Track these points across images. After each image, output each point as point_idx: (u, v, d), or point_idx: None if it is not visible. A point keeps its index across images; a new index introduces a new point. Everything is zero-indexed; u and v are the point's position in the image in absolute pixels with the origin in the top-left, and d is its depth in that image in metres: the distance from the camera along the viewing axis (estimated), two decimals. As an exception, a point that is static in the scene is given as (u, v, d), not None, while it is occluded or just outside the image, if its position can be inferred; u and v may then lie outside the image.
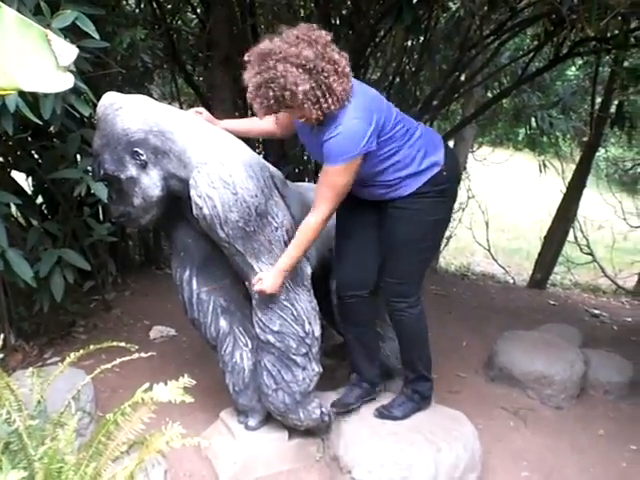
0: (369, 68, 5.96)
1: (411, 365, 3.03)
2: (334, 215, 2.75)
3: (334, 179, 2.48)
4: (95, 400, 2.78)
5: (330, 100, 2.36)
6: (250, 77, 2.34)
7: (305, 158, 5.98)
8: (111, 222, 3.76)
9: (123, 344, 2.13)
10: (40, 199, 4.08)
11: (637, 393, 3.99)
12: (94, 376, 2.22)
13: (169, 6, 5.64)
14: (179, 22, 6.05)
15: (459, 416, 3.05)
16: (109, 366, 2.01)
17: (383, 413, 2.96)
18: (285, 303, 2.63)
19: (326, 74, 2.33)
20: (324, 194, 2.52)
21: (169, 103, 5.70)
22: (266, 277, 2.54)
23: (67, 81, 1.23)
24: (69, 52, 1.16)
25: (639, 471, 3.26)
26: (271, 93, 2.30)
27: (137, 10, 5.07)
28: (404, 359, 3.05)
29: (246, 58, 2.37)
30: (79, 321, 4.02)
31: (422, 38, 5.43)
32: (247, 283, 2.67)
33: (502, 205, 11.16)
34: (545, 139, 8.49)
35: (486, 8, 5.04)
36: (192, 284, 2.83)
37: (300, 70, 2.28)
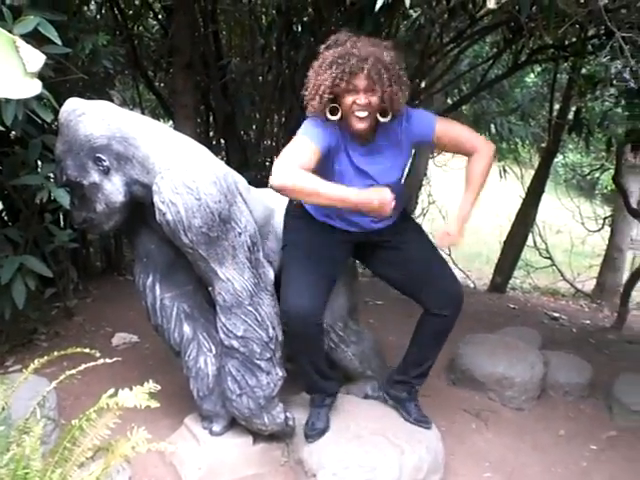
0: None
1: (429, 369, 3.07)
2: None
3: None
4: (58, 408, 2.76)
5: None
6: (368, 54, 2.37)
7: (267, 164, 6.00)
8: (72, 228, 3.74)
9: (87, 350, 2.12)
10: (0, 205, 4.04)
11: (596, 394, 4.05)
12: (57, 384, 2.21)
13: (130, 12, 5.62)
14: (140, 28, 6.03)
15: (422, 419, 3.08)
16: (74, 372, 2.00)
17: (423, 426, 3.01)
18: (249, 308, 2.63)
19: None
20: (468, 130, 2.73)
21: (130, 109, 5.68)
22: (452, 228, 2.63)
23: (35, 87, 1.23)
24: (37, 59, 1.17)
25: (599, 470, 3.31)
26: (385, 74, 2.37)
27: (98, 16, 5.05)
28: (428, 364, 3.05)
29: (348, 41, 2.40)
30: (40, 328, 3.97)
31: (383, 45, 5.47)
32: (210, 289, 2.68)
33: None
34: (504, 145, 8.61)
35: (446, 16, 5.10)
36: (155, 290, 2.83)
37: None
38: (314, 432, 2.84)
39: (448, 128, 2.66)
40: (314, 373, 2.85)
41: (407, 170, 2.74)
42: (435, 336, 2.96)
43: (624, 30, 3.10)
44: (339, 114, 2.45)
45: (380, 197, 2.36)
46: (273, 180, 2.32)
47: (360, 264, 3.09)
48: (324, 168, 2.48)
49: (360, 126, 2.45)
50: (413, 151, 2.83)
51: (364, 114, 2.42)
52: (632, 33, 3.10)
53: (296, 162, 2.34)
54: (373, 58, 2.34)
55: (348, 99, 2.41)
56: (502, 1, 2.02)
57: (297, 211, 2.80)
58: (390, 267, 2.90)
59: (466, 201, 2.67)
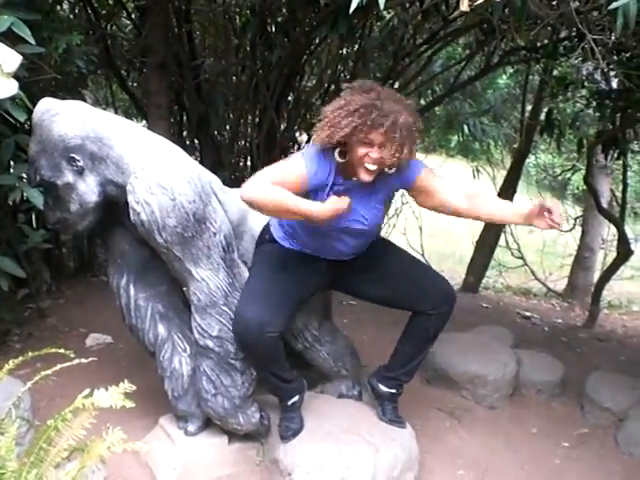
0: (304, 75, 6.01)
1: (418, 365, 3.11)
2: (264, 222, 2.85)
3: None
4: (32, 409, 2.74)
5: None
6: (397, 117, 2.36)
7: (241, 165, 6.00)
8: (46, 229, 3.71)
9: (62, 351, 2.12)
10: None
11: (568, 392, 4.10)
12: (31, 385, 2.20)
13: (104, 11, 5.59)
14: (114, 27, 6.00)
15: (396, 417, 3.10)
16: (49, 372, 2.00)
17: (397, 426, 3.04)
18: (224, 308, 2.64)
19: None
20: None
21: (103, 108, 5.65)
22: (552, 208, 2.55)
23: (12, 87, 1.24)
24: (13, 59, 1.17)
25: (571, 467, 3.37)
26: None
27: (71, 15, 5.02)
28: (419, 361, 3.09)
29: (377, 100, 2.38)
30: (13, 330, 3.94)
31: (357, 46, 5.50)
32: (185, 289, 2.68)
33: (433, 212, 11.32)
34: (477, 146, 8.67)
35: (419, 18, 5.14)
36: (130, 290, 2.82)
37: None
38: (289, 433, 2.84)
39: (431, 177, 2.68)
40: (276, 380, 2.80)
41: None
42: (430, 334, 3.00)
43: (595, 32, 3.15)
44: (346, 158, 2.47)
45: (327, 212, 2.37)
46: (243, 192, 2.36)
47: (346, 295, 3.08)
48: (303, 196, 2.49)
49: (367, 178, 2.45)
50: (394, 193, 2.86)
51: (374, 167, 2.42)
52: (603, 35, 3.15)
53: (271, 180, 2.37)
54: (393, 117, 2.34)
55: (361, 150, 2.39)
56: (475, 4, 2.05)
57: (269, 242, 2.83)
58: (375, 286, 2.91)
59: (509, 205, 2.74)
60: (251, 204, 2.38)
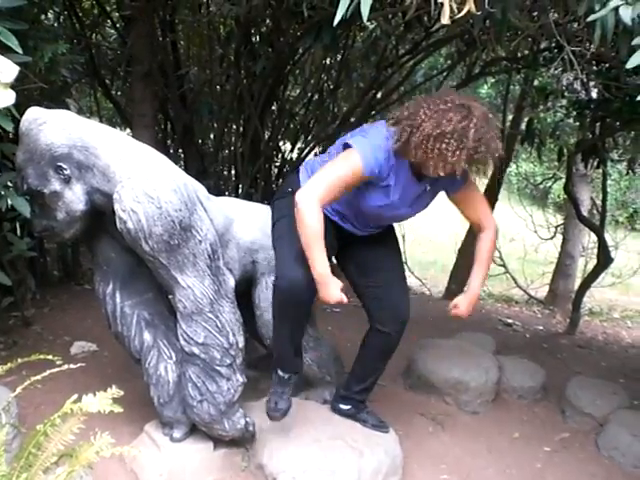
0: (288, 85, 6.05)
1: (372, 385, 3.21)
2: (249, 231, 2.94)
3: None
4: (18, 416, 2.75)
5: None
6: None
7: (225, 173, 6.03)
8: (31, 237, 3.72)
9: (49, 357, 2.14)
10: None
11: (549, 397, 4.16)
12: (19, 392, 2.21)
13: (88, 21, 5.61)
14: (99, 37, 6.02)
15: (380, 423, 3.13)
16: (39, 377, 2.02)
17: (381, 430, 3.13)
18: (209, 315, 2.66)
19: None
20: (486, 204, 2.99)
21: (87, 117, 5.67)
22: (462, 303, 2.82)
23: (9, 97, 1.26)
24: (10, 69, 1.19)
25: (553, 471, 3.41)
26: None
27: (56, 24, 5.03)
28: (371, 380, 3.18)
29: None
30: (-2, 338, 3.95)
31: (340, 57, 5.55)
32: (171, 296, 2.70)
33: (419, 219, 11.38)
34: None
35: (402, 28, 5.19)
36: (115, 298, 2.84)
37: None
38: (278, 412, 2.85)
39: (473, 188, 2.84)
40: (290, 346, 2.84)
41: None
42: (378, 353, 3.07)
43: (574, 43, 3.21)
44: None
45: (330, 296, 2.57)
46: (301, 198, 2.50)
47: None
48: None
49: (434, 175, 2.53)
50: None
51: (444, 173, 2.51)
52: (581, 46, 3.21)
53: (329, 196, 2.54)
54: (496, 156, 2.46)
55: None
56: (456, 17, 2.10)
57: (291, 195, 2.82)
58: (357, 268, 3.00)
59: (477, 279, 2.88)
60: (297, 211, 2.51)
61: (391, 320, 2.97)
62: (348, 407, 3.14)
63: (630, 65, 2.10)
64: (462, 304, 2.87)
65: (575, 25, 3.43)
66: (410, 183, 2.67)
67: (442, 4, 2.05)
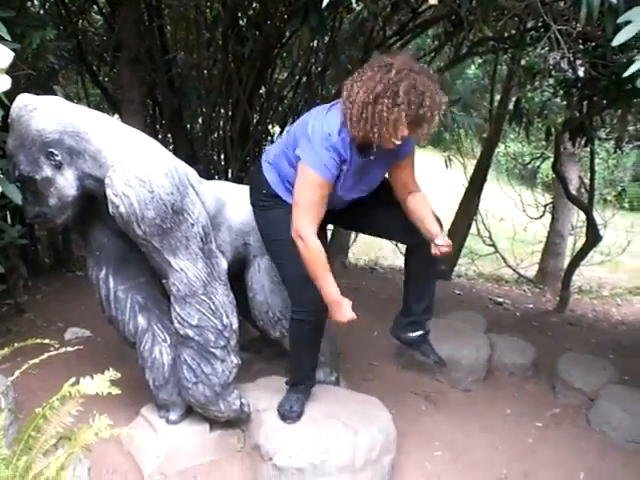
0: (276, 68, 6.05)
1: (432, 301, 3.18)
2: (241, 213, 2.91)
3: None
4: (15, 402, 2.77)
5: None
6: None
7: (215, 157, 6.03)
8: (22, 224, 3.73)
9: (46, 341, 2.16)
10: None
11: (540, 374, 4.22)
12: (15, 377, 2.23)
13: (74, 7, 5.59)
14: (85, 23, 5.99)
15: (374, 402, 3.17)
16: (37, 360, 2.04)
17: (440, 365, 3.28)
18: (203, 297, 2.69)
19: None
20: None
21: (75, 103, 5.65)
22: (440, 241, 2.66)
23: (5, 83, 1.27)
24: (5, 55, 1.20)
25: (544, 446, 3.47)
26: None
27: (42, 11, 5.01)
28: (430, 296, 3.13)
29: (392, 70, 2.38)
30: (-9, 326, 3.96)
31: (327, 39, 5.55)
32: (164, 280, 2.72)
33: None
34: (448, 136, 8.75)
35: (389, 10, 5.20)
36: (109, 282, 2.86)
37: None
38: (293, 414, 2.90)
39: (413, 156, 2.78)
40: (310, 366, 3.00)
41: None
42: (423, 265, 2.99)
43: (560, 22, 3.22)
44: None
45: (343, 316, 2.61)
46: (296, 236, 2.59)
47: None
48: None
49: (390, 146, 2.51)
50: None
51: (399, 142, 2.48)
52: (567, 25, 3.22)
53: (316, 218, 2.60)
54: (439, 112, 2.40)
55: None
56: (442, -3, 2.11)
57: (269, 199, 2.86)
58: (363, 216, 2.96)
59: (434, 225, 2.71)
60: (298, 247, 2.60)
61: (413, 233, 2.85)
62: (419, 333, 3.11)
63: (616, 43, 2.11)
64: (441, 241, 2.68)
65: (561, 4, 3.46)
66: (355, 157, 2.62)
67: (429, -16, 2.06)
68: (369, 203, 2.89)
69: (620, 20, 2.14)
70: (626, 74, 2.07)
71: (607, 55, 4.07)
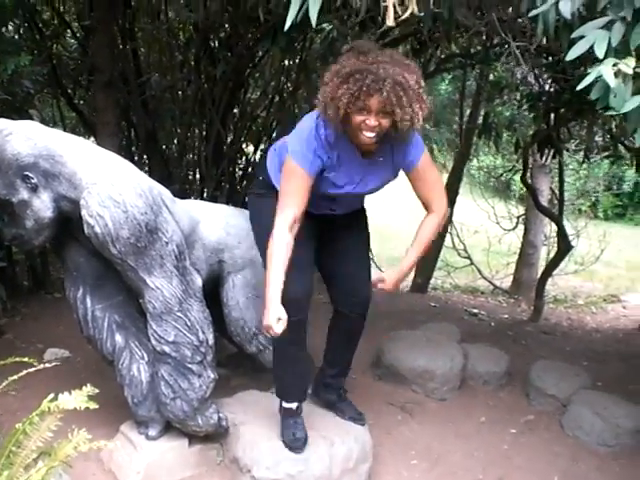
0: (249, 88, 6.12)
1: (346, 368, 3.27)
2: (214, 231, 2.97)
3: None
4: (-6, 423, 2.81)
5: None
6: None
7: (190, 177, 6.08)
8: (0, 247, 3.76)
9: (25, 359, 2.20)
10: None
11: (514, 382, 4.26)
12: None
13: (49, 32, 5.64)
14: (59, 47, 6.04)
15: (350, 413, 3.21)
16: (15, 377, 2.08)
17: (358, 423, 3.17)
18: (179, 314, 2.74)
19: None
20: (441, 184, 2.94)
21: (51, 127, 5.68)
22: (389, 278, 2.74)
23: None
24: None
25: (519, 452, 3.52)
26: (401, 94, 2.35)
27: (16, 36, 5.06)
28: (344, 364, 3.22)
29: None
30: (-30, 347, 3.97)
31: (299, 58, 5.63)
32: (141, 299, 2.77)
33: (385, 216, 11.48)
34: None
35: (357, 29, 5.28)
36: (86, 302, 2.91)
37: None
38: (299, 442, 2.87)
39: (427, 169, 2.76)
40: (293, 369, 2.92)
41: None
42: (343, 335, 3.11)
43: (520, 39, 3.32)
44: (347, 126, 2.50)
45: (265, 319, 2.49)
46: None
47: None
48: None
49: (367, 143, 2.52)
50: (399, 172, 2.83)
51: (371, 135, 2.46)
52: (526, 41, 3.32)
53: (297, 209, 2.57)
54: (391, 80, 2.31)
55: (358, 118, 2.42)
56: (400, 19, 2.19)
57: (263, 188, 2.90)
58: (324, 246, 2.96)
59: (410, 257, 2.82)
60: None
61: (354, 304, 2.99)
62: (332, 396, 3.19)
63: (569, 57, 2.19)
64: (389, 278, 2.80)
65: (520, 20, 3.55)
66: (353, 157, 2.64)
67: (386, 7, 2.14)
68: (341, 247, 2.97)
69: (574, 35, 2.22)
70: (579, 87, 2.15)
71: (567, 69, 4.17)
